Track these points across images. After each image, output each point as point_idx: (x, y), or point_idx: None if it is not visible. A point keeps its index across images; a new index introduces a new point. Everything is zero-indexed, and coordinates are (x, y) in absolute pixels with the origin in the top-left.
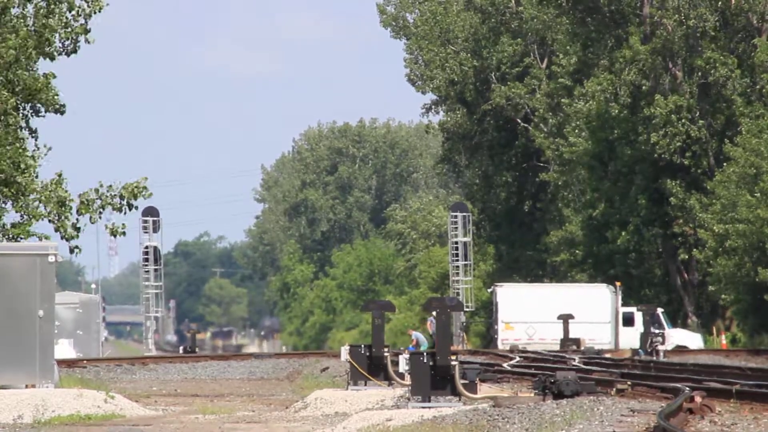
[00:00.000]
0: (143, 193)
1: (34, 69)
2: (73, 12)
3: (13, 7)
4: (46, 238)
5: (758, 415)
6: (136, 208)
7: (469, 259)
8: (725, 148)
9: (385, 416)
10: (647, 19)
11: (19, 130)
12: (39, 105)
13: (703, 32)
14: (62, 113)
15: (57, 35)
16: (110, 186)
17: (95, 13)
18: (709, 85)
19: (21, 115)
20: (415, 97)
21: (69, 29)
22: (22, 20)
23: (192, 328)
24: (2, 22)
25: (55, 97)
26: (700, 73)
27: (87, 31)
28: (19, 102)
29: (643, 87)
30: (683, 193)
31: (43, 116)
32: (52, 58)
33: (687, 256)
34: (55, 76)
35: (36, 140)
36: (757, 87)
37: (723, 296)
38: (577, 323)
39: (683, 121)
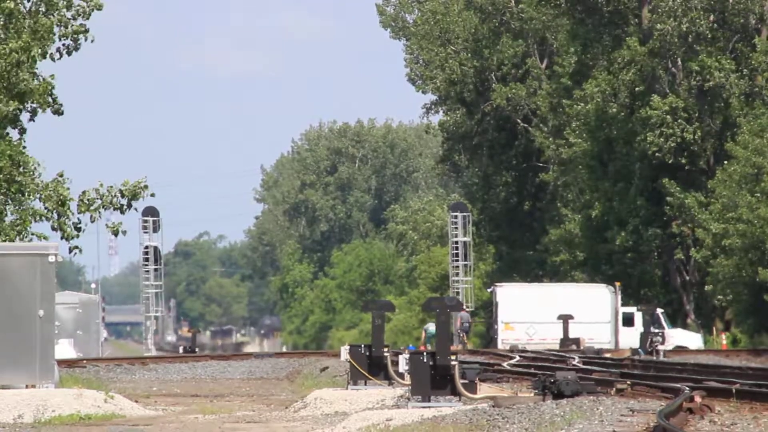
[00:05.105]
0: (143, 193)
1: (35, 70)
2: (72, 11)
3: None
4: (45, 238)
5: (758, 414)
6: (135, 209)
7: (469, 259)
8: (727, 146)
9: (385, 416)
10: (645, 21)
11: (11, 128)
12: (34, 105)
13: (699, 35)
14: (60, 114)
15: (56, 34)
16: (111, 186)
17: (94, 10)
18: (706, 87)
19: (13, 114)
20: (415, 97)
21: (67, 28)
22: (23, 20)
23: (192, 327)
24: (7, 26)
25: (55, 99)
26: (698, 76)
27: (86, 31)
28: (18, 108)
29: (638, 88)
30: (681, 193)
31: (33, 120)
32: (53, 59)
33: (684, 256)
34: (54, 86)
35: (23, 135)
36: (757, 88)
37: (719, 296)
38: (577, 323)
39: (679, 121)
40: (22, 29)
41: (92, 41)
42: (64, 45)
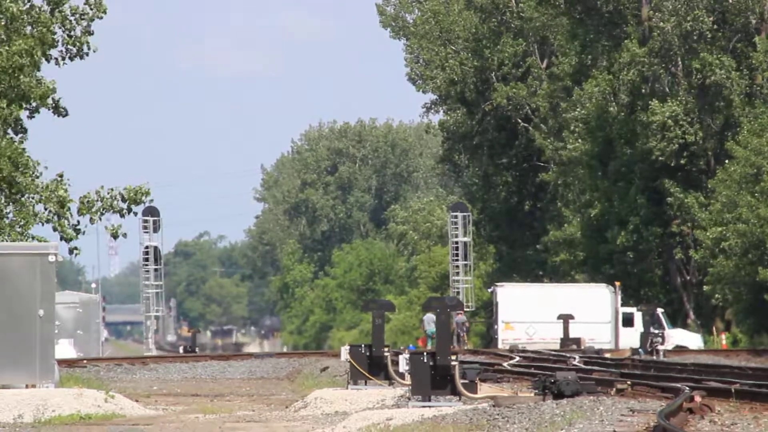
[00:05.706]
0: (144, 198)
1: (38, 74)
2: (76, 16)
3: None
4: (45, 241)
5: (758, 414)
6: (135, 214)
7: (469, 259)
8: (727, 145)
9: (386, 415)
10: (645, 21)
11: (11, 129)
12: (35, 104)
13: (700, 34)
14: (63, 115)
15: (60, 38)
16: (111, 189)
17: (98, 17)
18: (707, 85)
19: (13, 114)
20: (415, 97)
21: (72, 34)
22: (24, 20)
23: (192, 327)
24: (10, 29)
25: (57, 102)
26: (699, 74)
27: (90, 34)
28: (19, 108)
29: (642, 89)
30: (681, 193)
31: (32, 117)
32: (58, 64)
33: (684, 256)
34: (55, 90)
35: (24, 135)
36: (757, 87)
37: (716, 295)
38: (577, 323)
39: (681, 123)
40: (22, 29)
41: (95, 51)
42: (67, 50)
